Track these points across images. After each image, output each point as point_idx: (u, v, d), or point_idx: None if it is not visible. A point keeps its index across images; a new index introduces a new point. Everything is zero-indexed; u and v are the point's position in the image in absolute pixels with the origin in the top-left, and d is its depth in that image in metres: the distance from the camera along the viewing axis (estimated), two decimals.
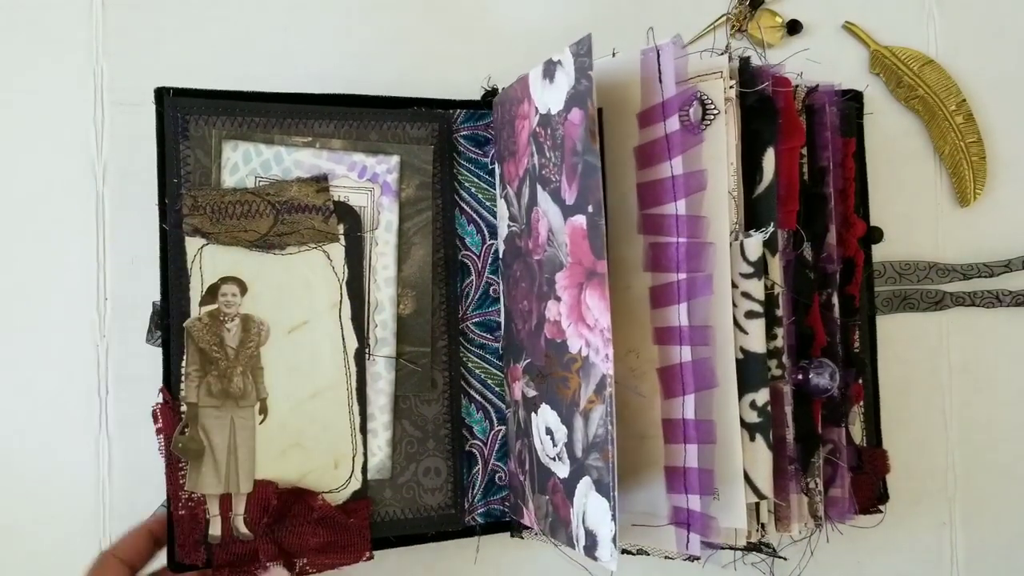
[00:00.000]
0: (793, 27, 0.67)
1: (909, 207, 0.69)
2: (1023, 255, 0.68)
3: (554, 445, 0.51)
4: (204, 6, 0.61)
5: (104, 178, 0.59)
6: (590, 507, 0.47)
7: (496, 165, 0.60)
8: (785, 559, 0.55)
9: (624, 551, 0.55)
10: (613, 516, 0.45)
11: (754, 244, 0.50)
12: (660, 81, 0.49)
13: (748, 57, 0.53)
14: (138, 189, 0.56)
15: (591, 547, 0.47)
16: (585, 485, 0.48)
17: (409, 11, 0.64)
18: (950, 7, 0.70)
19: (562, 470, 0.50)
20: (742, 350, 0.50)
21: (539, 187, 0.51)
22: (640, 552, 0.55)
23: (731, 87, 0.51)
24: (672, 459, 0.50)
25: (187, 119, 0.54)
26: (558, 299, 0.50)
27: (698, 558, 0.49)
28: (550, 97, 0.50)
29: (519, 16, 0.65)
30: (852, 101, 0.64)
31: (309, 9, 0.62)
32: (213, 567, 0.53)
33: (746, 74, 0.52)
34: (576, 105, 0.47)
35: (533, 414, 0.53)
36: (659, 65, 0.49)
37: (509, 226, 0.57)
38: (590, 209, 0.46)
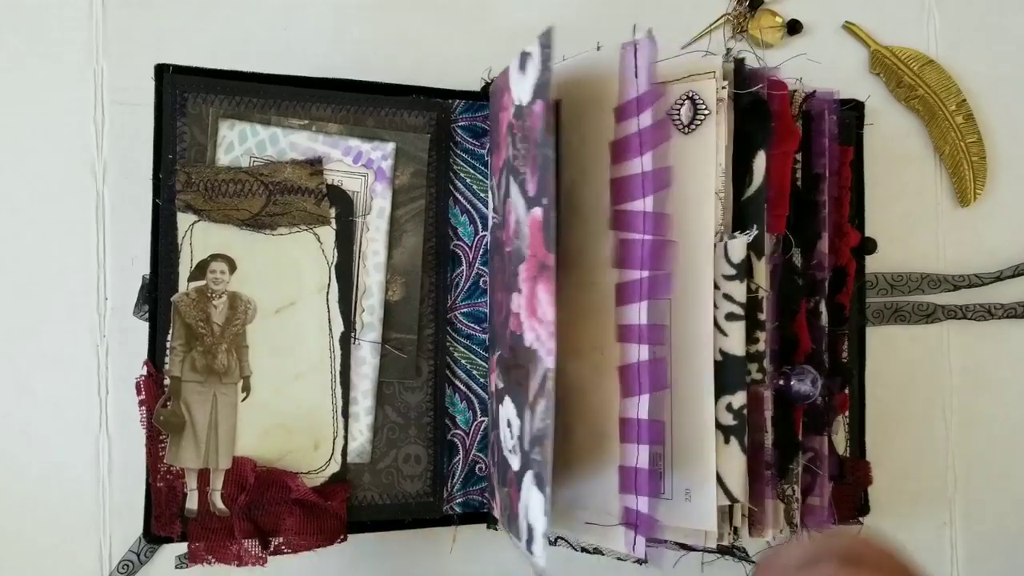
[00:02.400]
0: (793, 27, 0.67)
1: (909, 207, 0.68)
2: (1014, 265, 0.67)
3: (511, 437, 0.50)
4: (204, 6, 0.61)
5: (104, 178, 0.60)
6: (532, 501, 0.46)
7: (490, 156, 0.60)
8: (753, 562, 0.55)
9: (582, 550, 0.55)
10: (546, 511, 0.44)
11: (738, 246, 0.50)
12: (636, 76, 0.48)
13: (743, 58, 0.52)
14: (138, 189, 0.56)
15: (530, 541, 0.46)
16: (529, 479, 0.47)
17: (413, 2, 0.64)
18: (950, 7, 0.70)
19: (516, 463, 0.50)
20: (721, 352, 0.50)
21: (511, 179, 0.51)
22: (596, 551, 0.54)
23: (723, 87, 0.50)
24: (626, 458, 0.49)
25: (185, 96, 0.54)
26: (519, 291, 0.49)
27: (646, 561, 0.48)
28: (522, 89, 0.49)
29: (522, 10, 0.65)
30: (852, 111, 0.63)
31: (310, 8, 0.63)
32: (188, 541, 0.53)
33: (742, 75, 0.52)
34: (540, 97, 0.46)
35: (500, 406, 0.53)
36: (635, 60, 0.48)
37: (492, 218, 0.57)
38: (544, 201, 0.45)
